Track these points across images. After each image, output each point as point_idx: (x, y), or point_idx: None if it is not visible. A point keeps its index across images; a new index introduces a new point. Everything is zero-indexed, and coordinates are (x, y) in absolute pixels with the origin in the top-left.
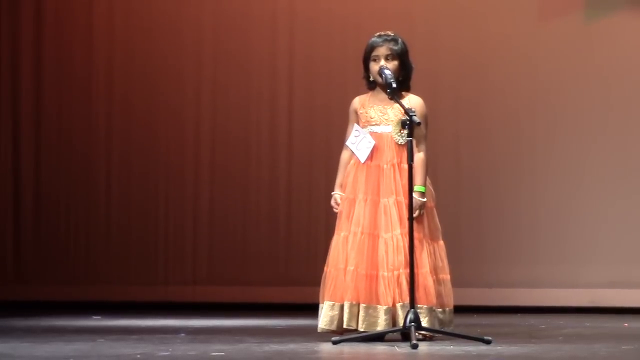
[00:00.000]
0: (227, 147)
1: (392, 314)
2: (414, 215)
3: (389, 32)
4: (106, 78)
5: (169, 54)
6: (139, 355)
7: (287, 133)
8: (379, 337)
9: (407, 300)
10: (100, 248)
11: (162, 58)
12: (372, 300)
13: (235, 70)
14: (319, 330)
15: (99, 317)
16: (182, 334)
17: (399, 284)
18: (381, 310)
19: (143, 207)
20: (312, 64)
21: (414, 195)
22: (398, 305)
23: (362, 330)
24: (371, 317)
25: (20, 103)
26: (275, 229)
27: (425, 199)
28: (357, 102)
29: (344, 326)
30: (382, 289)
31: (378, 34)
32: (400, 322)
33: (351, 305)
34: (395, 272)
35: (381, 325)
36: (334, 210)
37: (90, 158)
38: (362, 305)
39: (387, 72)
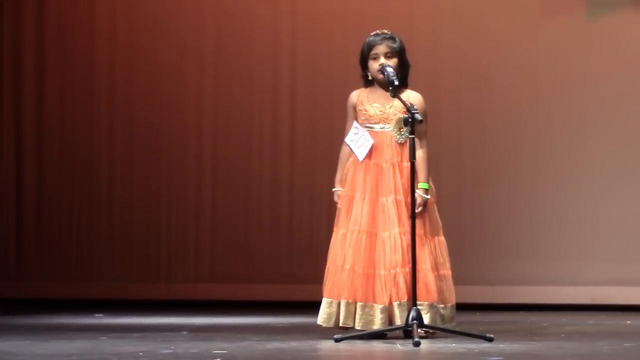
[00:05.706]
0: (229, 146)
1: (388, 313)
2: (416, 211)
3: (386, 31)
4: (108, 78)
5: (171, 53)
6: (141, 353)
7: (289, 132)
8: (380, 335)
9: (404, 298)
10: (103, 246)
11: (164, 58)
12: (369, 299)
13: (237, 70)
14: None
15: (101, 314)
16: (185, 332)
17: (396, 283)
18: (377, 309)
19: (145, 205)
20: (314, 64)
21: (419, 192)
22: (395, 304)
23: (358, 328)
24: (368, 316)
25: (23, 103)
26: (278, 227)
27: (429, 196)
28: (355, 96)
29: (340, 324)
30: (378, 287)
31: (375, 32)
32: (397, 321)
33: (348, 304)
34: (392, 271)
35: (377, 324)
36: (338, 206)
37: (92, 157)
38: (358, 304)
39: (389, 69)
